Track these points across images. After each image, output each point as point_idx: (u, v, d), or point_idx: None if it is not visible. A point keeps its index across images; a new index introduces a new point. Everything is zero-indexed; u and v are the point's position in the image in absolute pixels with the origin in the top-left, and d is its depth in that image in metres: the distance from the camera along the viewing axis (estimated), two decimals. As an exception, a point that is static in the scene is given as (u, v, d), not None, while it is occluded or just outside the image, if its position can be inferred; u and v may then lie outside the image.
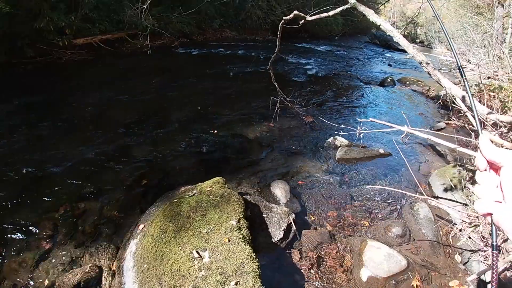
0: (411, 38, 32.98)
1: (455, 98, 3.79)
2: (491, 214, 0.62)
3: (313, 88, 8.73)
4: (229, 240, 2.49)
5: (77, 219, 3.24)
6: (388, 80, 10.30)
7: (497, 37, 10.92)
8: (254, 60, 10.66)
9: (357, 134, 3.77)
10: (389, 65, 14.44)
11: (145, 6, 6.57)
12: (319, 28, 19.77)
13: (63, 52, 9.32)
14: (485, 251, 3.08)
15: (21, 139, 4.59)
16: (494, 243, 0.69)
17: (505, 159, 0.62)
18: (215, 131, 5.31)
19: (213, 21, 15.59)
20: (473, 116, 3.27)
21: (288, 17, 4.19)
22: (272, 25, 17.38)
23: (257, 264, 2.35)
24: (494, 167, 0.65)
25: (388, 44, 20.62)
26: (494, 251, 0.69)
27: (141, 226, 2.93)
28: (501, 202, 0.61)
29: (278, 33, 4.42)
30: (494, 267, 0.68)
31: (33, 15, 8.35)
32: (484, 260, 3.05)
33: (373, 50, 18.92)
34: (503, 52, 9.33)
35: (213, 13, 15.31)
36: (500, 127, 3.94)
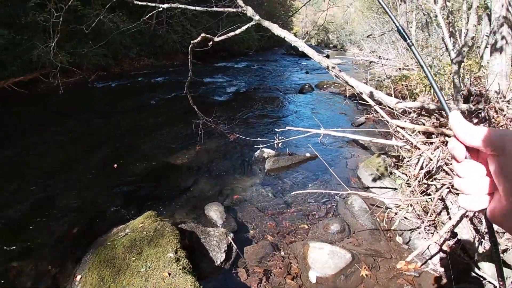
0: (325, 44, 35.00)
1: (362, 94, 4.10)
2: (484, 210, 0.54)
3: (235, 105, 8.93)
4: (169, 274, 2.45)
5: (13, 281, 2.98)
6: (306, 86, 10.82)
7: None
8: (174, 86, 10.63)
9: (276, 144, 3.92)
10: (307, 72, 15.19)
11: (53, 43, 6.28)
12: (236, 46, 20.25)
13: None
14: (421, 227, 3.29)
15: None
16: (493, 239, 0.59)
17: (500, 144, 0.48)
18: (142, 164, 5.20)
19: (130, 50, 15.31)
20: (383, 108, 3.52)
21: (196, 40, 4.28)
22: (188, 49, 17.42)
23: (202, 292, 2.35)
24: (475, 153, 0.54)
25: (304, 53, 21.63)
26: (494, 247, 0.60)
27: (78, 277, 2.78)
28: (492, 193, 0.53)
29: (189, 57, 4.48)
30: (497, 261, 0.61)
31: None
32: (423, 236, 3.25)
33: (290, 61, 19.77)
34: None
35: (129, 42, 15.04)
36: (410, 113, 4.33)
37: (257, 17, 4.37)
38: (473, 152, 0.54)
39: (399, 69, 10.56)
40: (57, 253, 3.34)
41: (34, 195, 4.36)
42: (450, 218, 3.16)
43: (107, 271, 2.60)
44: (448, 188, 3.30)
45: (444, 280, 2.87)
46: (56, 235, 3.60)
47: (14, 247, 3.39)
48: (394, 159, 4.54)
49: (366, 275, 2.94)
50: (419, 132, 3.94)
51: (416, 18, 11.52)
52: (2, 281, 2.97)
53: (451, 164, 3.32)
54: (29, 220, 3.84)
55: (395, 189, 4.05)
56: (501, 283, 0.63)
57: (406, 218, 3.57)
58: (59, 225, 3.77)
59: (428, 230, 3.33)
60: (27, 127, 7.11)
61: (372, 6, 17.94)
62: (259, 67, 16.65)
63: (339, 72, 4.06)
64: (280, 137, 3.90)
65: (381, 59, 13.64)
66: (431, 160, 3.49)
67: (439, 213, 3.35)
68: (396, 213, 3.71)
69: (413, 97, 6.58)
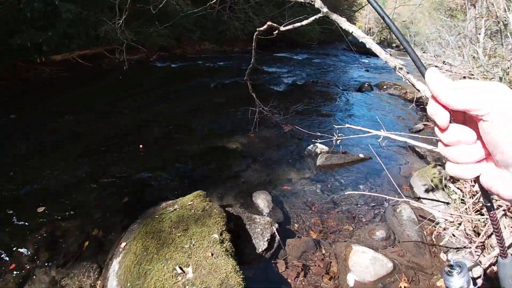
0: (387, 43, 33.71)
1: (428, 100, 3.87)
2: (477, 177, 0.49)
3: (291, 96, 8.83)
4: (212, 254, 2.47)
5: (59, 240, 3.16)
6: (366, 85, 10.47)
7: (471, 38, 11.21)
8: (234, 72, 10.70)
9: (334, 141, 3.80)
10: (367, 70, 14.70)
11: (121, 21, 6.53)
12: (296, 37, 20.01)
13: (40, 69, 9.16)
14: (469, 248, 3.10)
15: (-4, 160, 4.49)
16: (488, 204, 0.55)
17: (485, 103, 0.42)
18: (196, 144, 5.30)
19: (192, 33, 15.60)
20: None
21: (262, 28, 4.23)
22: (250, 36, 17.41)
23: (241, 277, 2.33)
24: (460, 114, 0.49)
25: (365, 50, 20.96)
26: (491, 212, 0.57)
27: (123, 244, 2.88)
28: (484, 159, 0.48)
29: (253, 44, 4.46)
30: (496, 229, 0.59)
31: (9, 31, 8.21)
32: (469, 257, 3.07)
33: (350, 57, 19.25)
34: (477, 52, 9.59)
35: (192, 25, 15.33)
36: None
37: (325, 9, 4.24)
38: (458, 113, 0.47)
39: (464, 77, 9.90)
40: (105, 219, 3.50)
41: (91, 162, 4.59)
42: None
43: (152, 242, 2.67)
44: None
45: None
46: (106, 202, 3.77)
47: (65, 209, 3.58)
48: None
49: (405, 287, 2.84)
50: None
51: (485, 24, 10.69)
52: (50, 240, 3.14)
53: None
54: (82, 184, 4.05)
55: (447, 203, 3.83)
56: (501, 250, 0.61)
57: (454, 235, 3.37)
58: (111, 193, 3.95)
59: (475, 251, 3.11)
60: (88, 98, 7.50)
61: (439, 8, 16.96)
62: (319, 60, 16.37)
63: (406, 74, 3.84)
64: (339, 134, 3.79)
65: (445, 64, 12.86)
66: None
67: (490, 236, 3.12)
68: (444, 229, 3.51)
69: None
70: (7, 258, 2.91)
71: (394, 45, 32.50)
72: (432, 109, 0.47)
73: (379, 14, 0.61)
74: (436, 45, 15.56)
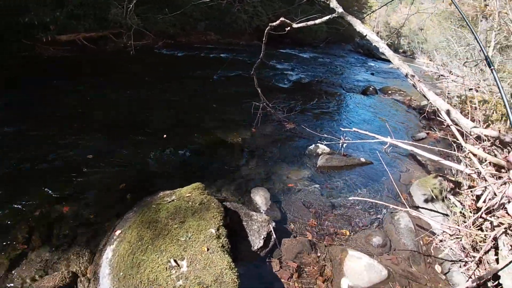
0: (394, 48, 33.66)
1: (439, 111, 3.84)
2: None
3: (296, 94, 8.77)
4: (208, 249, 2.44)
5: (54, 222, 3.14)
6: (371, 89, 10.44)
7: (480, 51, 11.15)
8: (238, 64, 10.64)
9: (340, 144, 3.77)
10: (372, 74, 14.65)
11: (131, 5, 6.45)
12: (302, 35, 19.89)
13: (46, 48, 9.09)
14: (466, 262, 3.10)
15: (-5, 137, 4.44)
16: None
17: None
18: (197, 135, 5.25)
19: (198, 23, 15.51)
20: (458, 130, 3.30)
21: (274, 24, 4.20)
22: (256, 30, 17.36)
23: (236, 274, 2.31)
24: None
25: (371, 53, 20.92)
26: None
27: (118, 231, 2.86)
28: None
29: (264, 39, 4.42)
30: None
31: (18, 9, 8.13)
32: (464, 271, 3.07)
33: (356, 59, 19.20)
34: (485, 65, 9.55)
35: (198, 15, 15.22)
36: (484, 140, 4.00)
37: (340, 10, 4.21)
38: None
39: (470, 89, 9.86)
40: (101, 204, 3.48)
41: (90, 143, 4.57)
42: (497, 260, 2.92)
43: (147, 232, 2.65)
44: (505, 228, 3.03)
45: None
46: (104, 187, 3.75)
47: (62, 191, 3.56)
48: (451, 184, 4.25)
49: (398, 296, 2.82)
50: (489, 163, 3.63)
51: (495, 38, 10.64)
52: (44, 222, 3.12)
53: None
54: (80, 167, 4.02)
55: (446, 215, 3.82)
56: None
57: (450, 248, 3.35)
58: (108, 178, 3.92)
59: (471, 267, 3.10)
60: (91, 80, 7.45)
61: (450, 17, 16.87)
62: (325, 60, 16.30)
63: (417, 82, 3.81)
64: (346, 138, 3.76)
65: (451, 74, 12.81)
66: (496, 195, 3.20)
67: (487, 252, 3.10)
68: (441, 241, 3.50)
69: (487, 124, 6.11)
70: (0, 237, 2.88)
71: (401, 50, 32.40)
72: None
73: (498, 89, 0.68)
74: (444, 54, 15.52)
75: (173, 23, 13.45)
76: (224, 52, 13.39)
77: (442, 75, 13.99)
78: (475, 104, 7.08)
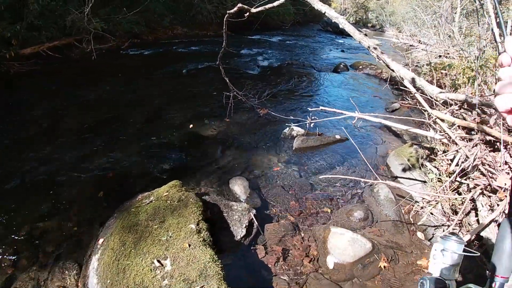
0: (363, 23, 33.73)
1: (403, 80, 3.90)
2: None
3: (267, 79, 8.77)
4: (189, 245, 2.45)
5: (38, 240, 3.09)
6: (341, 66, 10.49)
7: (447, 17, 11.32)
8: (207, 56, 10.55)
9: (307, 124, 3.79)
10: (342, 51, 14.72)
11: (87, 9, 6.31)
12: (271, 19, 19.78)
13: (11, 64, 8.77)
14: (448, 226, 3.17)
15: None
16: None
17: None
18: (170, 133, 5.22)
19: (163, 18, 15.21)
20: (425, 97, 3.35)
21: (232, 10, 4.17)
22: (223, 19, 17.13)
23: (220, 266, 2.33)
24: None
25: (341, 31, 20.91)
26: None
27: (101, 240, 2.84)
28: None
29: (224, 27, 4.39)
30: None
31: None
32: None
33: (325, 38, 19.20)
34: (453, 31, 9.72)
35: (163, 10, 14.94)
36: (451, 105, 4.08)
37: (296, -11, 4.18)
38: None
39: (439, 56, 10.03)
40: (82, 215, 3.43)
41: (64, 154, 4.48)
42: (478, 220, 3.03)
43: (129, 236, 2.64)
44: (481, 189, 3.12)
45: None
46: (83, 197, 3.70)
47: (42, 207, 3.49)
48: (427, 151, 4.33)
49: (385, 267, 2.89)
50: (458, 126, 3.71)
51: (461, 4, 10.81)
52: (29, 241, 3.07)
53: (487, 164, 3.13)
54: (56, 179, 3.95)
55: (424, 182, 3.88)
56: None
57: (432, 214, 3.43)
58: (87, 187, 3.86)
59: (454, 229, 3.18)
60: (59, 90, 7.25)
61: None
62: (294, 42, 16.26)
63: (380, 54, 3.85)
64: (312, 117, 3.78)
65: (421, 43, 12.98)
66: (468, 157, 3.29)
67: (468, 214, 3.21)
68: (422, 208, 3.57)
69: (454, 88, 6.23)
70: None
71: (370, 25, 32.48)
72: (503, 56, 0.62)
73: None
74: (412, 24, 15.68)
75: (137, 22, 13.16)
76: (192, 45, 13.22)
77: (411, 45, 14.18)
78: (445, 70, 7.22)
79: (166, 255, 2.40)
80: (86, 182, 3.93)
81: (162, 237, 2.54)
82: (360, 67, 10.64)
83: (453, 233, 1.36)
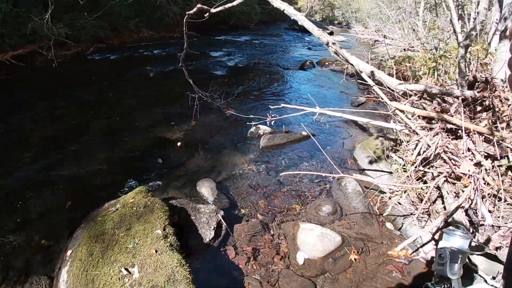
0: (330, 21, 34.18)
1: (361, 73, 3.99)
2: None
3: (232, 80, 8.80)
4: (156, 251, 2.44)
5: (8, 256, 2.98)
6: (308, 63, 10.64)
7: (411, 12, 11.65)
8: (173, 59, 10.45)
9: (268, 121, 3.84)
10: (309, 48, 14.91)
11: (47, 16, 6.13)
12: (238, 19, 19.79)
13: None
14: (415, 214, 3.23)
15: None
16: None
17: None
18: (138, 138, 5.16)
19: (128, 22, 14.95)
20: (384, 90, 3.44)
21: (191, 12, 4.16)
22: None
23: (188, 270, 2.32)
24: None
25: (307, 29, 21.10)
26: None
27: (69, 252, 2.79)
28: None
29: (184, 28, 4.37)
30: None
31: None
32: (416, 223, 3.20)
33: (292, 36, 19.37)
34: (417, 25, 10.02)
35: (128, 13, 14.67)
36: (411, 95, 4.21)
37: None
38: None
39: (404, 49, 10.34)
40: (50, 227, 3.34)
41: (29, 167, 4.36)
42: (445, 207, 3.12)
43: (96, 246, 2.60)
44: (445, 177, 3.23)
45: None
46: (50, 208, 3.60)
47: (10, 221, 3.39)
48: (392, 142, 4.43)
49: (355, 259, 2.92)
50: (419, 116, 3.83)
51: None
52: None
53: (449, 152, 3.25)
54: (24, 193, 3.83)
55: (391, 173, 3.96)
56: None
57: (400, 203, 3.50)
58: (53, 198, 3.77)
59: (422, 217, 3.27)
60: (22, 100, 7.01)
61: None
62: (260, 41, 16.34)
63: (339, 49, 3.93)
64: (273, 115, 3.82)
65: (386, 38, 13.32)
66: (429, 146, 3.41)
67: (434, 202, 3.30)
68: (390, 198, 3.64)
69: (416, 79, 6.44)
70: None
71: (336, 22, 32.95)
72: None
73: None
74: (377, 20, 16.05)
75: (101, 26, 12.88)
76: (158, 48, 13.06)
77: (377, 41, 14.52)
78: (408, 63, 7.45)
79: (134, 263, 2.38)
80: (53, 193, 3.84)
81: (129, 245, 2.53)
82: (327, 63, 10.81)
83: (457, 226, 1.29)
